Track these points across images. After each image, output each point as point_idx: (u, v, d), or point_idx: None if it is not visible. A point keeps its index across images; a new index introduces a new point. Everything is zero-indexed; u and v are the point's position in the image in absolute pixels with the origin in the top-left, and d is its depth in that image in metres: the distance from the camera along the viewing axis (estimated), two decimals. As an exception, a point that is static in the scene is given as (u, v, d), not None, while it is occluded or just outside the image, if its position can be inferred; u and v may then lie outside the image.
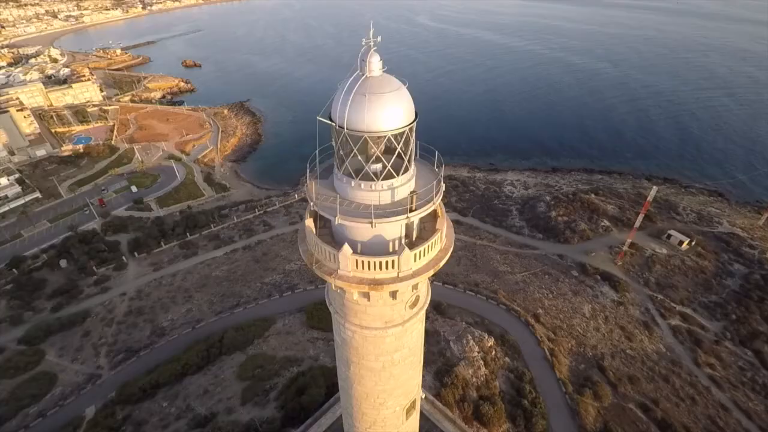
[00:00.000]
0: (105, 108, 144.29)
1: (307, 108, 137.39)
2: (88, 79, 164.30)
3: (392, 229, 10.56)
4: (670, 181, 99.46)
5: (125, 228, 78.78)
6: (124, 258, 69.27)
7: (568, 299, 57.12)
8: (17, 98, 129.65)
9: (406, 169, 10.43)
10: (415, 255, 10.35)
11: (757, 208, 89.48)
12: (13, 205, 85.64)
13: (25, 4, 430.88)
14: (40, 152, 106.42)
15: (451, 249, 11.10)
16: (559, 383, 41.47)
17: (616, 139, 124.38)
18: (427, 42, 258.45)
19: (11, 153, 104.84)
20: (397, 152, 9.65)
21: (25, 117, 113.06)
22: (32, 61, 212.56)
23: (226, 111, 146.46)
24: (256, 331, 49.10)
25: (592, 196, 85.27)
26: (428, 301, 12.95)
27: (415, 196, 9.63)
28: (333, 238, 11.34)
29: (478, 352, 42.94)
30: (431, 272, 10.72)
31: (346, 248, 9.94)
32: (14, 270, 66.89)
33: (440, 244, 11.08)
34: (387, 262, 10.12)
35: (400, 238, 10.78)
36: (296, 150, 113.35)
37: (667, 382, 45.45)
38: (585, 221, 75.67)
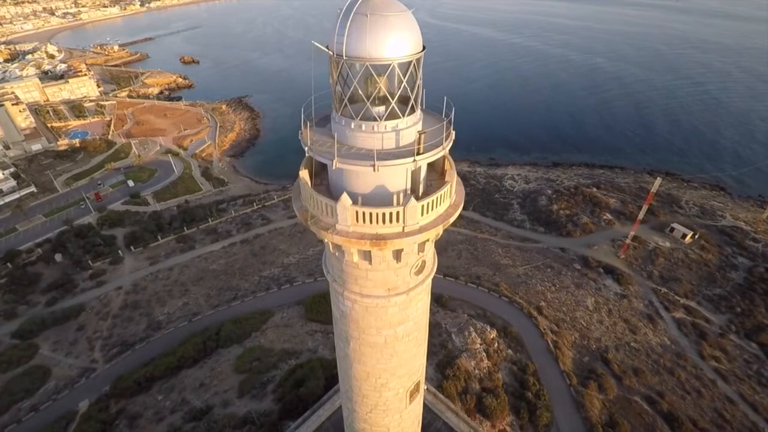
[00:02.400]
0: (102, 103, 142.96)
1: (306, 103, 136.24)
2: (85, 75, 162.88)
3: (396, 178, 9.53)
4: (671, 176, 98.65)
5: (122, 222, 77.84)
6: (120, 252, 68.32)
7: (571, 292, 56.30)
8: (13, 93, 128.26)
9: (413, 110, 9.34)
10: (423, 207, 9.32)
11: (760, 202, 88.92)
12: (8, 199, 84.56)
13: (23, 2, 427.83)
14: (36, 146, 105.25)
15: (461, 206, 10.10)
16: (563, 375, 40.64)
17: (617, 134, 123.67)
18: (425, 38, 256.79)
19: (6, 147, 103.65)
20: (402, 87, 8.57)
21: (20, 111, 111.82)
22: (29, 57, 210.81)
23: (224, 106, 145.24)
24: (254, 324, 48.21)
25: (594, 189, 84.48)
26: (435, 270, 11.94)
27: (423, 136, 8.64)
28: (330, 193, 10.36)
29: (481, 344, 42.08)
30: (440, 229, 9.70)
31: (345, 198, 8.90)
32: (8, 264, 65.86)
33: (450, 199, 10.10)
34: (391, 214, 9.08)
35: (405, 191, 9.78)
36: (295, 145, 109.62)
37: (673, 375, 44.67)
38: (587, 214, 74.89)
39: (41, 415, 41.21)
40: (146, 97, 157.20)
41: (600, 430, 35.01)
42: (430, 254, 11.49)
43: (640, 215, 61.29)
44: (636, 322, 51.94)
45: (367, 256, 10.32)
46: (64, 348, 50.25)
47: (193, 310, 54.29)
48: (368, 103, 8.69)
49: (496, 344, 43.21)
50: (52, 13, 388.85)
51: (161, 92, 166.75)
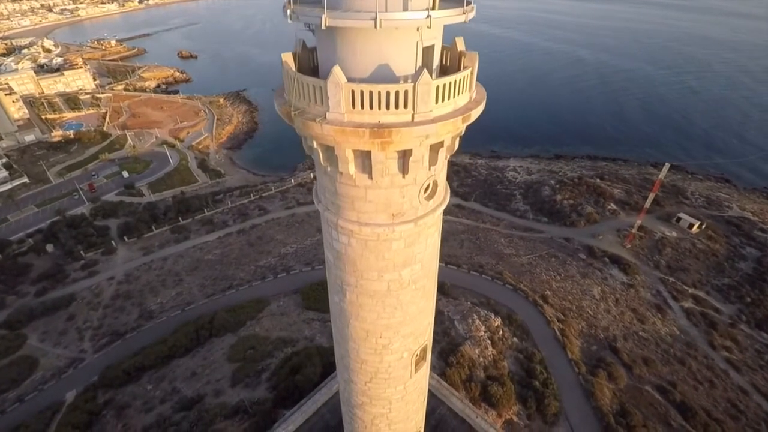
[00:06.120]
0: (98, 96, 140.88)
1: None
2: (81, 67, 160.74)
3: (404, 53, 7.63)
4: (676, 168, 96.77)
5: (115, 213, 76.01)
6: (113, 242, 66.56)
7: (577, 281, 54.70)
8: (7, 84, 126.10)
9: None
10: (438, 89, 7.44)
11: (767, 193, 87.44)
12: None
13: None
14: (29, 137, 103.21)
15: (483, 105, 8.32)
16: (572, 364, 38.95)
17: (620, 127, 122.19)
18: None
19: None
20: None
21: (13, 102, 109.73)
22: (25, 51, 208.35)
23: (221, 100, 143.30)
24: (249, 313, 46.54)
25: (598, 180, 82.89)
26: (447, 200, 10.22)
27: (439, -19, 6.79)
28: None
29: (485, 332, 40.39)
30: (459, 125, 7.93)
31: (338, 72, 7.00)
32: (-2, 254, 64.07)
33: (470, 92, 8.36)
34: (398, 94, 7.17)
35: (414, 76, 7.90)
36: (293, 138, 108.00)
37: (683, 365, 43.12)
38: (591, 205, 73.26)
39: (27, 405, 39.60)
40: (143, 90, 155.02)
41: (611, 420, 33.36)
42: (442, 175, 9.67)
43: (647, 203, 59.71)
44: (644, 312, 50.37)
45: (366, 167, 8.50)
46: (52, 338, 48.61)
47: (186, 300, 52.62)
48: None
49: (501, 332, 41.53)
50: (50, 10, 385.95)
51: (158, 86, 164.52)
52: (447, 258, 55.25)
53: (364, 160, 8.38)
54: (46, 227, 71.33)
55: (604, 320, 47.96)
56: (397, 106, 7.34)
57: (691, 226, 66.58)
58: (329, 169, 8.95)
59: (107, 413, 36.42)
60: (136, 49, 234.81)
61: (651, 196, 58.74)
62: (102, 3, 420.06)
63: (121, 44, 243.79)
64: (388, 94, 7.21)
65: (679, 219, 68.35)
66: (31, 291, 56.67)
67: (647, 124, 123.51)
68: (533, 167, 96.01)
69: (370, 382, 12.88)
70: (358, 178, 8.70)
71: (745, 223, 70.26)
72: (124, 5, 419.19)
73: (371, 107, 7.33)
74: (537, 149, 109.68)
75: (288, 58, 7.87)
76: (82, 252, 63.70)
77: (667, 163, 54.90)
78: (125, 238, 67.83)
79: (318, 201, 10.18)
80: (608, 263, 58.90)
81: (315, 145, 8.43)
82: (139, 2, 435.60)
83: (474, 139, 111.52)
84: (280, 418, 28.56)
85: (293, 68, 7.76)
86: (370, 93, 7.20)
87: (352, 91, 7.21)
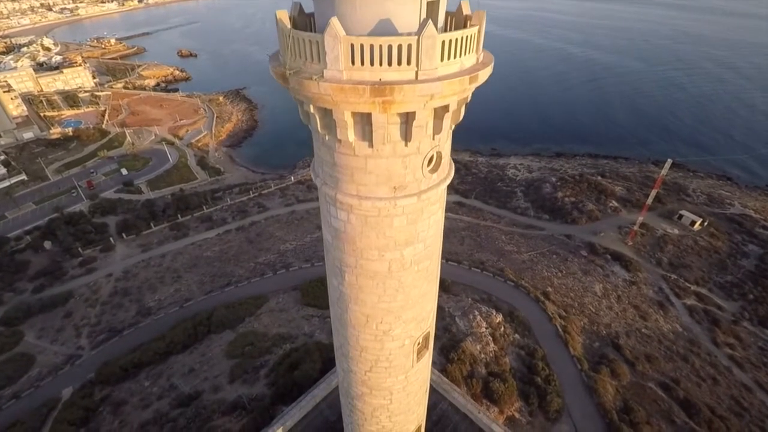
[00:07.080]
0: (97, 93, 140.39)
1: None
2: (80, 65, 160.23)
3: (407, 8, 7.10)
4: (677, 166, 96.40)
5: (114, 210, 75.59)
6: (111, 239, 66.17)
7: (578, 278, 54.27)
8: (5, 81, 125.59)
9: None
10: (444, 45, 6.95)
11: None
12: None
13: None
14: (28, 135, 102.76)
15: (491, 68, 7.85)
16: (574, 360, 38.50)
17: (620, 126, 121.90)
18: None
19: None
20: None
21: (12, 99, 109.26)
22: (24, 49, 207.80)
23: (221, 98, 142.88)
24: (248, 309, 46.08)
25: (599, 178, 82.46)
26: (452, 175, 9.68)
27: None
28: None
29: (486, 328, 39.95)
30: (466, 85, 7.43)
31: (336, 25, 6.45)
32: (-5, 251, 63.60)
33: (477, 53, 7.93)
34: (400, 48, 6.60)
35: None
36: (293, 136, 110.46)
37: (687, 362, 42.69)
38: (593, 202, 72.83)
39: (22, 402, 39.19)
40: (142, 88, 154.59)
41: (614, 417, 32.92)
42: (446, 147, 9.19)
43: (649, 200, 59.32)
44: (646, 309, 49.95)
45: (366, 134, 7.98)
46: (49, 335, 48.24)
47: (184, 297, 52.17)
48: None
49: (503, 328, 41.09)
50: (50, 9, 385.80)
51: (158, 84, 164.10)
52: (448, 255, 54.82)
53: (364, 125, 7.91)
54: (44, 224, 70.95)
55: (606, 317, 47.54)
56: (399, 63, 6.85)
57: (693, 223, 66.18)
58: (327, 138, 8.46)
59: (104, 410, 35.99)
60: (135, 48, 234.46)
61: (653, 193, 58.33)
62: (102, 2, 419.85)
63: (120, 43, 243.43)
64: (390, 48, 6.72)
65: (680, 216, 67.95)
66: (28, 288, 56.32)
67: (648, 123, 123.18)
68: (534, 165, 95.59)
69: (371, 371, 12.41)
70: (357, 147, 8.21)
71: (747, 220, 69.88)
72: (123, 4, 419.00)
73: (372, 63, 6.84)
74: (537, 147, 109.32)
75: (283, 15, 7.40)
76: (80, 249, 63.35)
77: (669, 160, 54.45)
78: (124, 235, 67.42)
79: (315, 175, 9.68)
80: (610, 260, 58.45)
81: (312, 109, 7.95)
82: (138, 1, 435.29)
83: (474, 137, 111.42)
84: (279, 414, 28.11)
85: (288, 25, 7.29)
86: (371, 47, 6.71)
87: (352, 45, 6.73)
